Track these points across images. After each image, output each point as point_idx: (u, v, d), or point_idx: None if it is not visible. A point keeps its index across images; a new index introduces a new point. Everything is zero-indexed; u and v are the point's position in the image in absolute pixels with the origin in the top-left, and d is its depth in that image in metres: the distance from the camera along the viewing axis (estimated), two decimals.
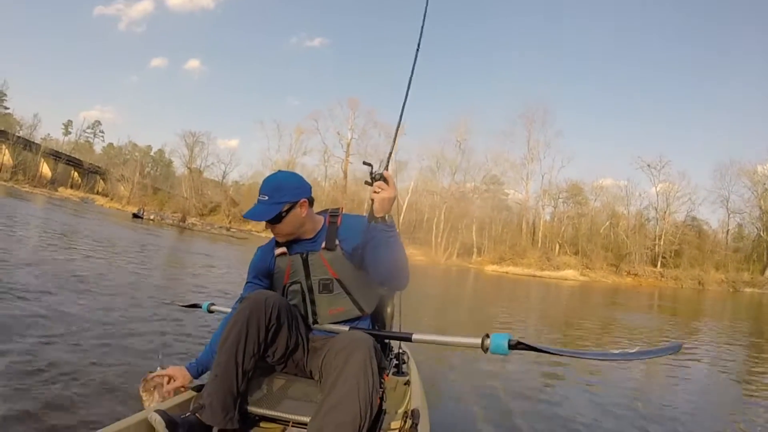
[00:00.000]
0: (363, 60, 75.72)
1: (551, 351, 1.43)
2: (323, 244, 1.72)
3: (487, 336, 1.44)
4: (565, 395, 3.58)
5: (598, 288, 30.24)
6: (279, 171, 1.79)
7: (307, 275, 1.72)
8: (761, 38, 62.28)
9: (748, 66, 63.17)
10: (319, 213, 1.82)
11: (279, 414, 1.50)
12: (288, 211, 1.66)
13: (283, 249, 1.76)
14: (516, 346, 1.39)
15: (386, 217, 1.54)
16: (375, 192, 1.52)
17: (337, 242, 1.71)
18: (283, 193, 1.67)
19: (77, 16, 79.60)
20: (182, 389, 1.63)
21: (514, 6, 71.26)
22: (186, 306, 2.80)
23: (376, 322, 1.91)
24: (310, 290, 1.72)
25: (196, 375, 1.68)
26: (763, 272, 40.50)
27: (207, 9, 75.29)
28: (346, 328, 1.69)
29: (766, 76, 62.41)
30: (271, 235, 1.79)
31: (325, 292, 1.71)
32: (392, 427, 1.53)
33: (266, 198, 1.66)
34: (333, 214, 1.79)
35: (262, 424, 1.53)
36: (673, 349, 1.45)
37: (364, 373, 1.33)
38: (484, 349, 1.43)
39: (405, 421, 1.51)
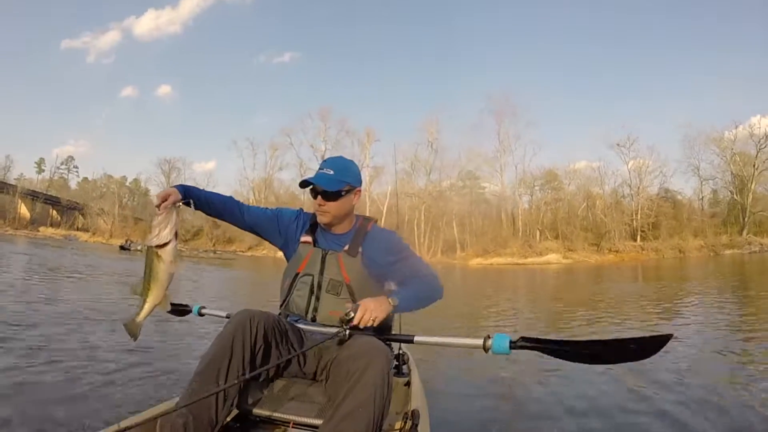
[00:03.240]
0: (334, 68, 76.56)
1: (551, 350, 1.40)
2: (346, 247, 1.68)
3: (489, 337, 1.44)
4: (567, 387, 3.48)
5: (582, 268, 30.51)
6: (341, 156, 1.77)
7: (321, 271, 1.68)
8: (719, 7, 62.92)
9: (706, 36, 64.07)
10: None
11: (279, 416, 1.46)
12: (347, 192, 1.66)
13: (309, 238, 1.73)
14: (516, 344, 1.39)
15: (391, 303, 1.52)
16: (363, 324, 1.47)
17: (360, 249, 1.68)
18: (348, 174, 1.66)
19: (45, 51, 77.74)
20: (178, 204, 1.53)
21: (476, 3, 71.89)
22: (176, 307, 2.60)
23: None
24: (319, 287, 1.68)
25: (183, 194, 1.56)
26: (741, 233, 40.63)
27: (174, 35, 73.00)
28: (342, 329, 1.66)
29: (724, 45, 62.31)
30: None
31: (332, 293, 1.67)
32: (392, 427, 1.51)
33: (331, 172, 1.64)
34: (366, 219, 1.77)
35: (262, 426, 1.49)
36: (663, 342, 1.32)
37: (381, 382, 1.31)
38: (486, 349, 1.43)
39: (405, 422, 1.51)
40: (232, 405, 1.41)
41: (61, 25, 78.56)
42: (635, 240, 41.39)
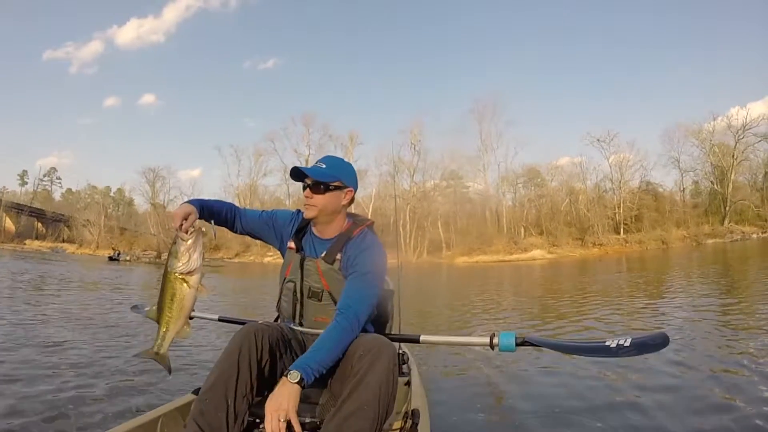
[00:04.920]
0: (318, 73, 75.43)
1: (554, 346, 1.43)
2: (323, 254, 1.63)
3: (495, 335, 1.45)
4: (568, 385, 3.38)
5: (567, 263, 30.67)
6: (339, 157, 1.72)
7: (301, 278, 1.65)
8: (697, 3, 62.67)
9: (682, 33, 64.39)
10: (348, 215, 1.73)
11: None
12: (336, 187, 1.60)
13: (293, 244, 1.70)
14: (522, 343, 1.42)
15: (292, 381, 1.26)
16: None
17: (338, 256, 1.61)
18: (340, 171, 1.62)
19: (26, 63, 74.79)
20: (195, 224, 1.41)
21: (459, 8, 70.93)
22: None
23: (375, 323, 1.77)
24: (302, 293, 1.65)
25: (200, 210, 1.49)
26: (722, 222, 40.66)
27: (157, 44, 71.10)
28: None
29: (700, 42, 62.70)
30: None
31: (313, 299, 1.63)
32: (393, 427, 1.48)
33: (324, 166, 1.62)
34: (356, 223, 1.67)
35: (261, 428, 1.41)
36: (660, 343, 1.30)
37: (386, 381, 1.29)
38: (492, 347, 1.44)
39: (405, 421, 1.49)
40: (243, 423, 1.35)
41: (43, 35, 76.79)
42: (618, 233, 41.27)
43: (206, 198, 1.64)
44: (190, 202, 1.49)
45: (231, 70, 76.85)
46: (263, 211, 1.79)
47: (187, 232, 1.33)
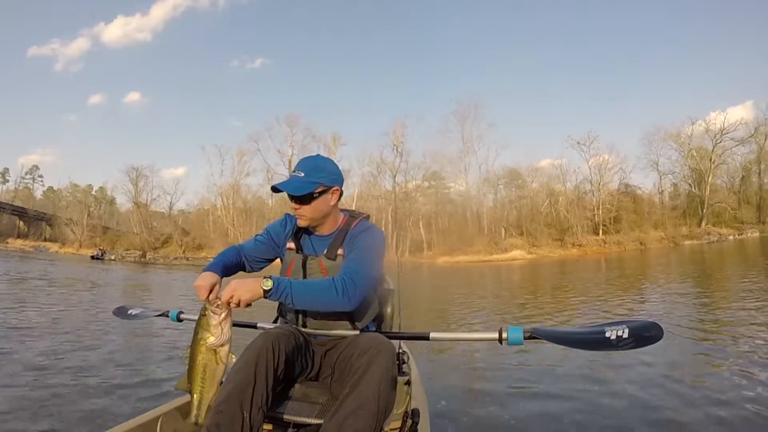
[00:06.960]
0: (305, 74, 73.52)
1: (558, 339, 1.41)
2: (325, 251, 1.58)
3: (503, 330, 1.44)
4: (564, 384, 3.36)
5: (546, 263, 30.78)
6: (318, 155, 1.65)
7: (304, 277, 1.59)
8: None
9: (666, 37, 63.84)
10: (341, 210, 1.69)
11: (279, 416, 1.42)
12: (320, 193, 1.53)
13: (292, 244, 1.65)
14: (530, 337, 1.41)
15: (262, 286, 1.32)
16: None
17: (339, 251, 1.57)
18: (320, 174, 1.53)
19: (9, 59, 70.64)
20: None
21: (446, 10, 70.17)
22: (153, 316, 2.33)
23: (375, 322, 1.73)
24: None
25: (222, 274, 1.51)
26: (699, 224, 40.56)
27: (144, 42, 68.31)
28: (354, 332, 1.57)
29: (683, 47, 62.34)
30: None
31: None
32: (392, 427, 1.47)
33: (302, 174, 1.53)
34: (352, 217, 1.64)
35: (262, 428, 1.40)
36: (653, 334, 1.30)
37: (385, 379, 1.28)
38: (501, 341, 1.43)
39: (405, 421, 1.48)
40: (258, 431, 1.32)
41: (29, 32, 74.54)
42: (597, 234, 40.91)
43: (218, 256, 1.61)
44: (208, 269, 1.47)
45: (218, 70, 75.21)
46: (257, 235, 1.72)
47: (214, 303, 1.30)
